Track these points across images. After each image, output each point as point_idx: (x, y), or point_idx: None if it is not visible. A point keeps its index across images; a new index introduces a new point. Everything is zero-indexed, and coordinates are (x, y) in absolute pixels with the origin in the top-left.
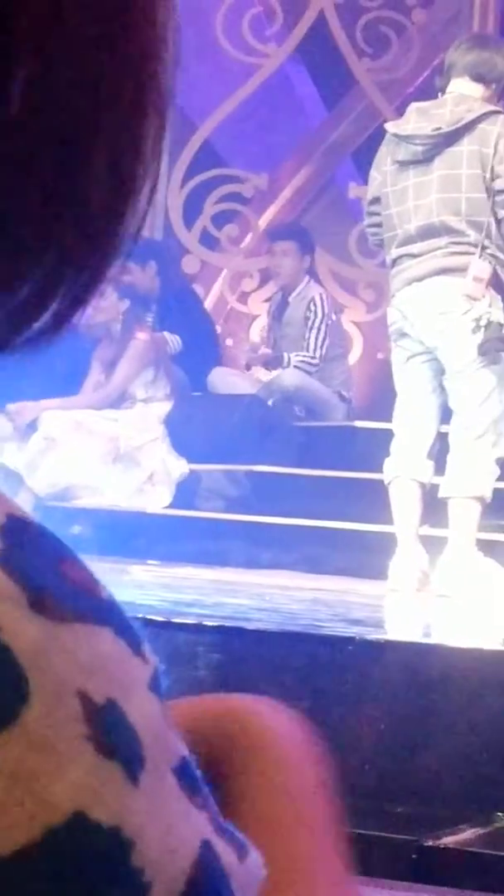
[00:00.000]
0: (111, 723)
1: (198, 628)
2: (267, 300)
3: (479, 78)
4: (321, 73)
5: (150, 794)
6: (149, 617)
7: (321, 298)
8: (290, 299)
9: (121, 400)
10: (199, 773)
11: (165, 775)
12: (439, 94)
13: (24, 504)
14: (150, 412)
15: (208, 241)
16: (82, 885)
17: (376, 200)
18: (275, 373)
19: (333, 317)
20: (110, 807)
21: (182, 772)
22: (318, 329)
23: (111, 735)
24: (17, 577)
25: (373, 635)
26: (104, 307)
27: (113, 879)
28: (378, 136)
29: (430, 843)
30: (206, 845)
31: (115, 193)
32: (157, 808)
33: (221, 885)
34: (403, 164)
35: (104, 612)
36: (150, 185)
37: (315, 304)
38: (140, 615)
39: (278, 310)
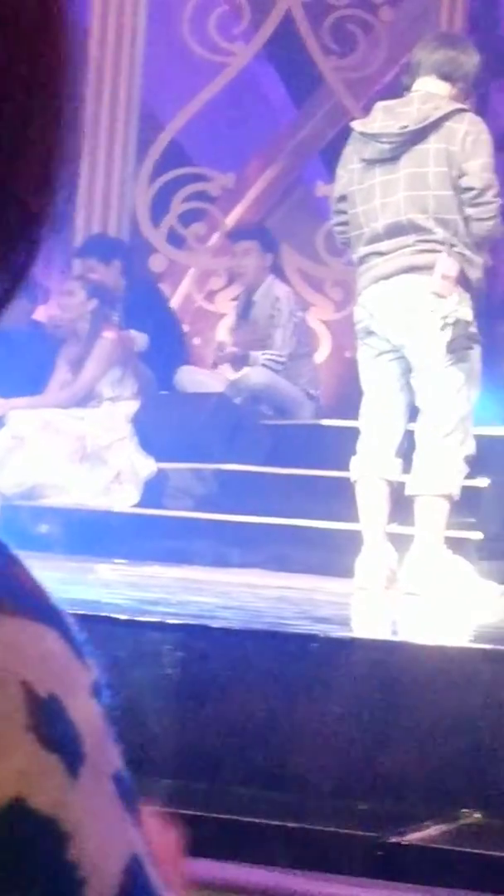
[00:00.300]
0: (53, 717)
1: (163, 626)
2: (234, 299)
3: (445, 77)
4: (289, 71)
5: (89, 793)
6: (114, 616)
7: (286, 296)
8: (255, 298)
9: (88, 399)
10: (134, 793)
11: (104, 779)
12: (406, 93)
13: None
14: (117, 411)
15: (175, 239)
16: (18, 871)
17: (343, 198)
18: (242, 371)
19: (299, 314)
20: (49, 797)
21: (119, 782)
22: (284, 327)
23: (52, 728)
24: None
25: (337, 633)
26: (71, 305)
27: (48, 869)
28: (346, 134)
29: (395, 839)
30: (136, 860)
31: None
32: (94, 807)
33: None
34: (370, 163)
35: (51, 615)
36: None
37: (280, 303)
38: (105, 614)
39: (243, 309)
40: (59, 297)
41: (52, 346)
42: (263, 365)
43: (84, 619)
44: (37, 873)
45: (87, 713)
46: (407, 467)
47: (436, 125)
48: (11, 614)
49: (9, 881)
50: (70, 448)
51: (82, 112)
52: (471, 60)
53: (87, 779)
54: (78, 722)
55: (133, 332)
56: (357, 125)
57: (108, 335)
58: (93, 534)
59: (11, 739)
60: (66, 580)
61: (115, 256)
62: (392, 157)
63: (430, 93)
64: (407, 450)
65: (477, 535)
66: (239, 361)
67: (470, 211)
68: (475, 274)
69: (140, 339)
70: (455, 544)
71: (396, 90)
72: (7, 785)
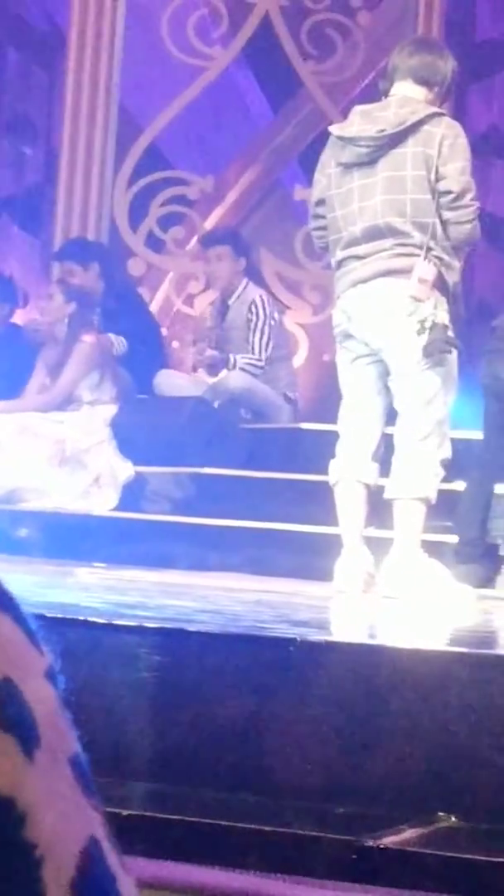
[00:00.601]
0: (7, 698)
1: (141, 630)
2: (213, 303)
3: (422, 81)
4: (267, 75)
5: (45, 774)
6: (92, 619)
7: (262, 300)
8: (231, 303)
9: (67, 402)
10: (91, 777)
11: (61, 762)
12: (383, 97)
13: None
14: (96, 414)
15: (154, 243)
16: None
17: (321, 202)
18: (220, 375)
19: (276, 317)
20: (5, 776)
21: (77, 766)
22: (262, 331)
23: (7, 709)
24: None
25: (315, 636)
26: (50, 309)
27: (5, 848)
28: (324, 138)
29: (370, 843)
30: (95, 842)
31: None
32: (51, 788)
33: (109, 884)
34: (348, 167)
35: (5, 601)
36: None
37: (256, 306)
38: (83, 617)
39: (220, 313)
40: (38, 301)
41: (31, 349)
42: (242, 369)
43: (62, 623)
44: None
45: (41, 696)
46: (385, 471)
47: (413, 129)
48: None
49: None
50: (49, 452)
51: (61, 116)
52: (447, 65)
53: (43, 760)
54: (33, 704)
55: (112, 336)
56: (335, 129)
57: (87, 339)
58: (71, 537)
59: None
60: (44, 584)
61: (93, 260)
62: (370, 161)
63: (407, 97)
64: (385, 453)
65: (454, 539)
66: (217, 365)
67: (448, 214)
68: (453, 278)
69: (119, 343)
70: (433, 547)
71: (374, 94)
72: None
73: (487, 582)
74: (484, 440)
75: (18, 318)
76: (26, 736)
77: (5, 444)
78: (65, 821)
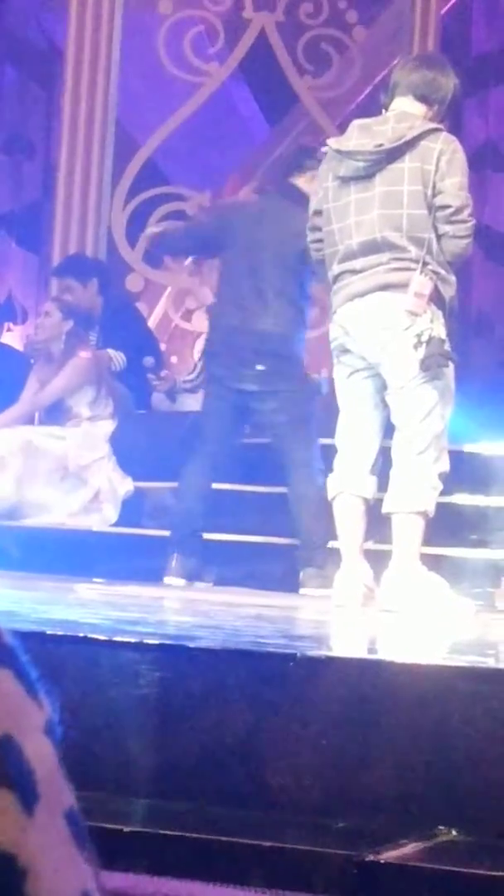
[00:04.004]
0: (8, 756)
1: (140, 646)
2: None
3: (422, 98)
4: (263, 90)
5: (44, 829)
6: (91, 635)
7: None
8: None
9: (64, 417)
10: (85, 829)
11: (58, 816)
12: (383, 111)
13: None
14: (96, 430)
15: (152, 259)
16: None
17: (318, 213)
18: None
19: None
20: (7, 833)
21: (72, 820)
22: None
23: (8, 767)
24: None
25: (315, 651)
26: (47, 326)
27: None
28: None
29: (371, 857)
30: (87, 895)
31: None
32: (48, 843)
33: None
34: (345, 181)
35: (6, 657)
36: None
37: None
38: (83, 634)
39: None
40: (35, 318)
41: (21, 367)
42: None
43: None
44: None
45: (40, 752)
46: (384, 485)
47: (411, 144)
48: None
49: None
50: (51, 468)
51: (58, 133)
52: (449, 82)
53: (42, 816)
54: (32, 761)
55: (111, 352)
56: (332, 143)
57: (83, 354)
58: (71, 553)
59: None
60: (44, 600)
61: (92, 276)
62: (367, 176)
63: (405, 112)
64: (383, 467)
65: (453, 552)
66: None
67: (446, 228)
68: (449, 292)
69: (118, 359)
70: (432, 561)
71: (370, 109)
72: None
73: None
74: None
75: (16, 334)
76: (26, 792)
77: (7, 460)
78: (61, 876)
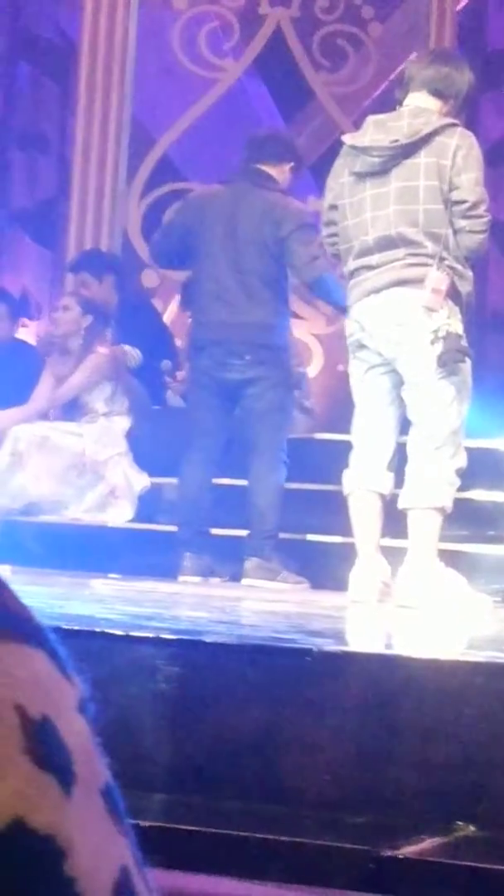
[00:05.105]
0: (46, 737)
1: (157, 641)
2: None
3: (437, 93)
4: (278, 86)
5: (81, 809)
6: (108, 630)
7: None
8: None
9: (80, 413)
10: (122, 803)
11: (94, 794)
12: (398, 107)
13: None
14: (113, 426)
15: None
16: (20, 889)
17: (334, 207)
18: None
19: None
20: (46, 816)
21: (108, 795)
22: None
23: (46, 748)
24: None
25: (331, 646)
26: (66, 320)
27: (49, 886)
28: (336, 149)
29: (389, 853)
30: (125, 871)
31: None
32: (86, 823)
33: None
34: (360, 176)
35: (37, 636)
36: None
37: None
38: (100, 629)
39: None
40: (53, 313)
41: (34, 362)
42: None
43: (79, 635)
44: (39, 890)
45: (76, 731)
46: (400, 481)
47: (426, 140)
48: (2, 640)
49: None
50: (68, 464)
51: (73, 129)
52: (463, 77)
53: (80, 796)
54: (68, 740)
55: (127, 348)
56: (348, 138)
57: (101, 350)
58: (87, 549)
59: (9, 762)
60: (61, 595)
61: (108, 272)
62: (382, 171)
63: (420, 108)
64: (399, 463)
65: (469, 548)
66: None
67: (462, 223)
68: (466, 287)
69: (134, 355)
70: (448, 557)
71: (386, 104)
72: (6, 806)
73: None
74: None
75: (31, 329)
76: (64, 773)
77: (24, 456)
78: (99, 853)
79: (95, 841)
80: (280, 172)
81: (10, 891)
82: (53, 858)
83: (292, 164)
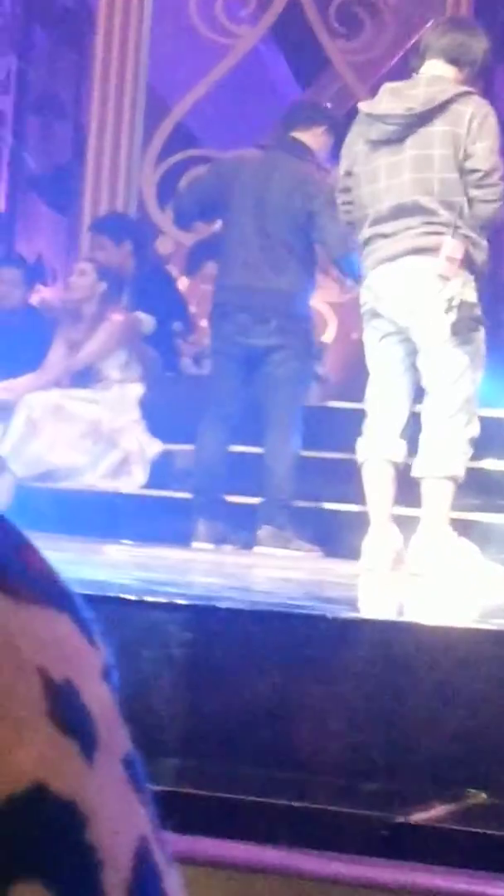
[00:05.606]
0: (68, 702)
1: (170, 607)
2: None
3: (453, 61)
4: (295, 54)
5: (103, 776)
6: (121, 595)
7: None
8: None
9: (94, 380)
10: (142, 771)
11: (116, 762)
12: (413, 75)
13: (6, 487)
14: (127, 393)
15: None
16: (41, 855)
17: (349, 174)
18: None
19: None
20: (68, 781)
21: (130, 764)
22: None
23: (69, 713)
24: None
25: (345, 613)
26: (81, 286)
27: (70, 852)
28: (352, 117)
29: (401, 819)
30: (144, 840)
31: None
32: (108, 791)
33: (156, 884)
34: (375, 144)
35: (62, 599)
36: None
37: None
38: (113, 594)
39: None
40: (68, 278)
41: (46, 328)
42: None
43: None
44: (59, 856)
45: (99, 697)
46: (413, 449)
47: (442, 108)
48: (27, 602)
49: (32, 864)
50: (83, 431)
51: (89, 95)
52: (480, 46)
53: (102, 763)
54: (91, 706)
55: (141, 315)
56: (363, 106)
57: (116, 317)
58: (100, 515)
59: (31, 726)
60: (74, 561)
61: (126, 237)
62: (398, 139)
63: (436, 76)
64: (413, 432)
65: (483, 517)
66: None
67: (475, 192)
68: (480, 256)
69: (148, 322)
70: (461, 526)
71: (402, 73)
72: (28, 770)
73: None
74: None
75: (46, 294)
76: (86, 739)
77: (39, 424)
78: (120, 822)
79: (117, 809)
80: (313, 137)
81: (31, 856)
82: (75, 825)
83: (325, 127)
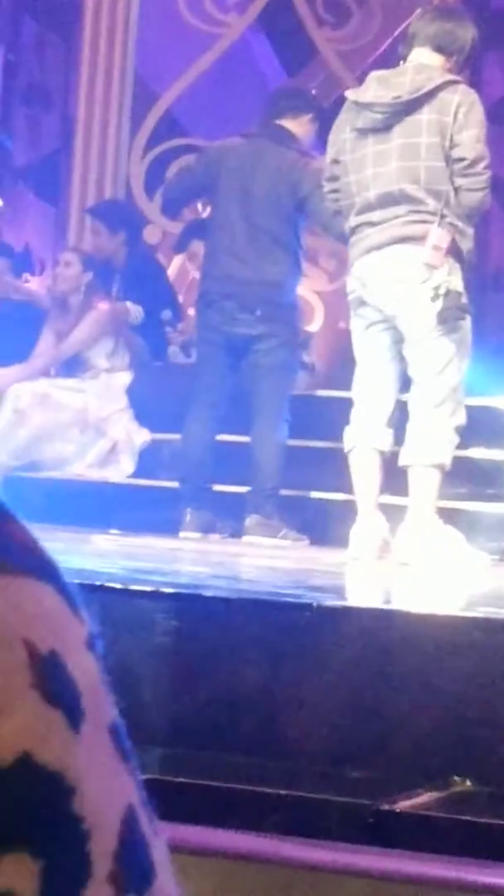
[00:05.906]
0: (54, 673)
1: (156, 595)
2: None
3: (439, 49)
4: (282, 42)
5: (89, 746)
6: (107, 584)
7: None
8: None
9: (82, 369)
10: (129, 742)
11: (102, 732)
12: (401, 63)
13: None
14: (114, 382)
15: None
16: (28, 825)
17: (336, 162)
18: None
19: None
20: (55, 752)
21: (115, 733)
22: None
23: (54, 684)
24: None
25: (331, 601)
26: (67, 277)
27: (57, 822)
28: (339, 105)
29: (386, 807)
30: (131, 810)
31: None
32: (94, 760)
33: (144, 852)
34: (362, 132)
35: (47, 571)
36: None
37: None
38: (98, 582)
39: None
40: (55, 268)
41: (34, 319)
42: None
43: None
44: (46, 826)
45: (84, 667)
46: (400, 438)
47: (429, 96)
48: (12, 574)
49: (19, 835)
50: (70, 420)
51: (77, 84)
52: (467, 34)
53: (88, 733)
54: (77, 677)
55: (129, 304)
56: (351, 94)
57: (101, 306)
58: (88, 504)
59: (17, 697)
60: (61, 550)
61: (122, 227)
62: (385, 127)
63: (423, 64)
64: (400, 420)
65: (468, 506)
66: None
67: (461, 181)
68: (467, 245)
69: (136, 311)
70: (447, 514)
71: (390, 61)
72: (14, 741)
73: None
74: None
75: (34, 285)
76: (72, 709)
77: (27, 413)
78: (107, 792)
79: (103, 779)
80: (299, 125)
81: (18, 827)
82: (61, 795)
83: (311, 115)
